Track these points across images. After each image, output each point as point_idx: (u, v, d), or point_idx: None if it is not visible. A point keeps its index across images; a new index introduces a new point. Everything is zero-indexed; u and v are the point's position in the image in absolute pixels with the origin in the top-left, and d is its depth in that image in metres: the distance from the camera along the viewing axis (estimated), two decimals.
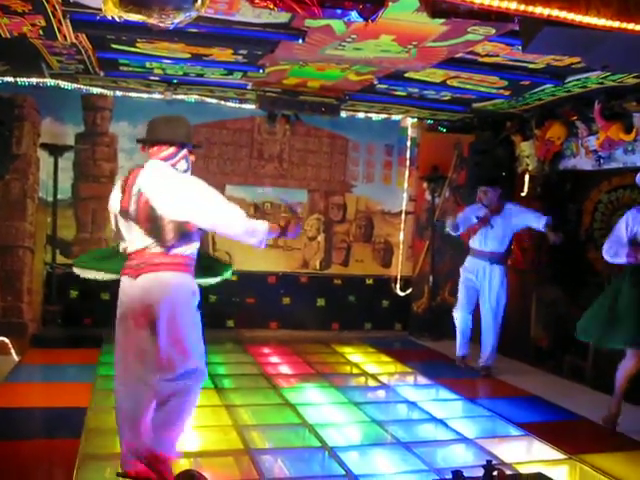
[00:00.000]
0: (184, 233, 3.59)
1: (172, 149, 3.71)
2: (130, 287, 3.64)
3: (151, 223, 3.54)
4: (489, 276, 6.83)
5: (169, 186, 3.59)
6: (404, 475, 4.16)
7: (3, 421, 4.75)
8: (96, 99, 7.93)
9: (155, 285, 3.58)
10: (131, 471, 3.64)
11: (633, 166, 6.21)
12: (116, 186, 3.79)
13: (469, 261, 7.03)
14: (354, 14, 2.99)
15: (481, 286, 6.89)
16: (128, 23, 3.25)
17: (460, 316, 7.14)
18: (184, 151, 3.75)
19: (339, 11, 2.94)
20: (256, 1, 2.76)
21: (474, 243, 6.98)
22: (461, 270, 7.13)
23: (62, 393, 5.48)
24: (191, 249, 3.69)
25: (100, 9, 3.89)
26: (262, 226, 3.70)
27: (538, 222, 6.55)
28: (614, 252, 5.08)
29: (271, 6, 2.75)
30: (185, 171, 3.76)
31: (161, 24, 2.73)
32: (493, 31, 4.36)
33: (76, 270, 4.37)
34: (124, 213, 3.64)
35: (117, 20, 2.81)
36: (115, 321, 3.75)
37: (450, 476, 2.62)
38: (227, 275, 4.51)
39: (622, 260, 5.02)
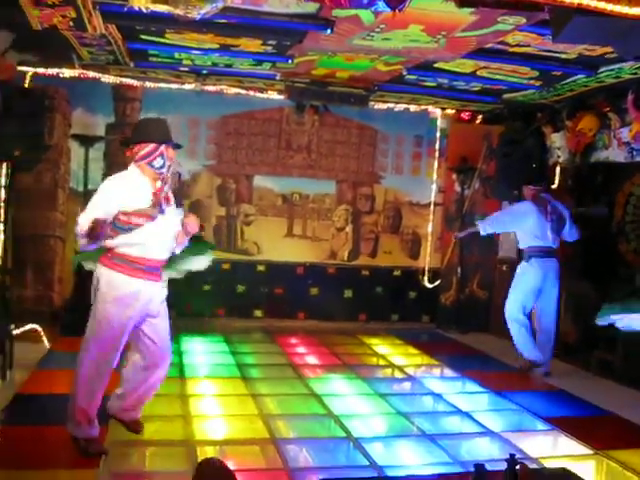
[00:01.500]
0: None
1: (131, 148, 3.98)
2: None
3: None
4: (554, 273, 6.62)
5: None
6: (428, 467, 4.15)
7: (34, 407, 4.84)
8: (126, 90, 7.98)
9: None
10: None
11: None
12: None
13: (536, 261, 6.57)
14: (381, 4, 2.98)
15: (546, 286, 6.60)
16: (157, 14, 3.28)
17: (522, 321, 6.65)
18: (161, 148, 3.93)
19: (366, 1, 2.93)
20: None
21: (536, 241, 6.60)
22: (525, 270, 6.65)
23: None
24: (116, 241, 3.82)
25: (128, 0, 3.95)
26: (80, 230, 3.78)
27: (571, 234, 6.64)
28: None
29: None
30: (161, 167, 3.92)
31: (188, 15, 2.74)
32: (524, 20, 4.30)
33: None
34: None
35: (144, 11, 2.83)
36: None
37: (473, 469, 2.60)
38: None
39: None
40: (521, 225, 6.62)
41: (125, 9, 3.75)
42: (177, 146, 4.06)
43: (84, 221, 3.72)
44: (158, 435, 4.51)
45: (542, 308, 6.60)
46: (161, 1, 2.60)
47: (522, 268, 6.63)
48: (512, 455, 2.52)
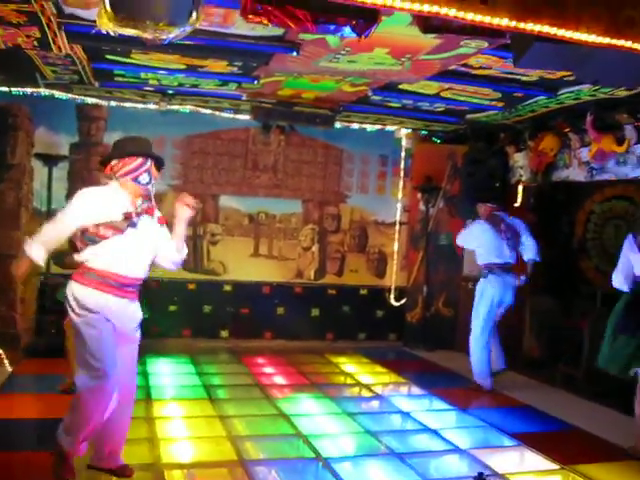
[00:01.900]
0: (83, 241, 3.82)
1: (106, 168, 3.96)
2: None
3: None
4: (511, 290, 6.65)
5: None
6: None
7: None
8: (90, 109, 7.93)
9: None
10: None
11: (625, 177, 6.26)
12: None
13: (493, 279, 6.61)
14: (347, 30, 3.02)
15: (502, 302, 6.65)
16: (123, 35, 3.28)
17: (484, 343, 6.65)
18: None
19: (332, 27, 2.97)
20: (250, 16, 2.79)
21: (490, 258, 6.64)
22: (484, 290, 6.66)
23: (57, 404, 5.42)
24: (85, 256, 3.84)
25: (95, 21, 3.95)
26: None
27: (528, 253, 6.60)
28: (621, 278, 4.99)
29: (265, 22, 2.78)
30: (147, 183, 3.91)
31: (156, 39, 2.76)
32: (485, 44, 4.40)
33: None
34: None
35: (112, 34, 2.84)
36: None
37: None
38: None
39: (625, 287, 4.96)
40: (478, 242, 6.70)
41: (93, 31, 3.74)
42: (160, 164, 4.04)
43: (48, 230, 3.81)
44: (125, 459, 4.43)
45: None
46: (129, 25, 2.61)
47: (481, 285, 6.68)
48: (480, 473, 2.55)
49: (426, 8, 2.65)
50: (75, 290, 3.84)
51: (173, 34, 2.76)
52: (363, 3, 2.57)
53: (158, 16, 2.61)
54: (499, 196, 7.01)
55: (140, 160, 3.87)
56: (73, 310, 3.85)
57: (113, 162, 3.90)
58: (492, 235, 6.57)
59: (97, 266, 3.82)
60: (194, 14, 2.73)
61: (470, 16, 2.74)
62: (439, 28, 3.01)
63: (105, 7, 2.57)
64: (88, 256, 3.81)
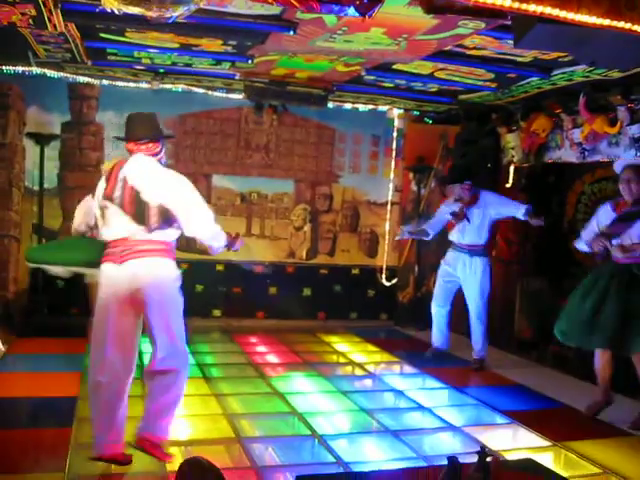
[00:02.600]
0: (166, 219, 3.82)
1: (158, 145, 3.95)
2: (115, 274, 3.82)
3: (136, 207, 3.77)
4: (471, 269, 6.73)
5: (160, 176, 3.87)
6: (394, 462, 4.23)
7: None
8: (82, 88, 7.88)
9: (142, 271, 3.80)
10: (105, 455, 3.88)
11: (617, 158, 6.30)
12: (101, 179, 3.98)
13: (449, 255, 6.98)
14: (351, 10, 3.02)
15: (464, 280, 6.80)
16: (123, 14, 3.26)
17: (434, 310, 7.11)
18: (164, 146, 4.03)
19: (336, 7, 2.97)
20: None
21: (453, 236, 6.92)
22: (442, 263, 7.08)
23: (50, 383, 5.50)
24: (173, 236, 3.94)
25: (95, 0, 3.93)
26: (223, 234, 4.10)
27: (517, 211, 6.51)
28: (582, 241, 5.41)
29: (271, 1, 2.78)
30: (165, 164, 4.05)
31: (160, 17, 2.75)
32: (483, 25, 4.39)
33: (30, 264, 4.61)
34: (108, 199, 3.85)
35: (117, 13, 2.83)
36: None
37: (444, 462, 2.68)
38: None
39: (584, 248, 5.40)
40: (444, 220, 6.98)
41: (98, 9, 3.71)
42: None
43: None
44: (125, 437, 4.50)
45: (467, 298, 6.85)
46: (134, 3, 2.61)
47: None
48: (483, 448, 2.60)
49: None
50: (165, 265, 3.91)
51: (177, 13, 2.76)
52: None
53: None
54: (463, 176, 6.83)
55: (158, 145, 4.01)
56: (166, 285, 3.93)
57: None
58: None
59: (168, 239, 3.94)
60: None
61: None
62: (443, 8, 3.03)
63: None
64: (162, 230, 3.83)
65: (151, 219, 3.78)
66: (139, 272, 3.80)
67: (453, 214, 6.74)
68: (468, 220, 6.68)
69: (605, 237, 5.06)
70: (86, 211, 4.31)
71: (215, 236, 4.05)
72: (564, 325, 5.21)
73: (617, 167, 5.28)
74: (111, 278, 3.84)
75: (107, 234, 3.92)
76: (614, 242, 5.03)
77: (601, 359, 5.15)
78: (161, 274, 3.86)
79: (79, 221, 4.56)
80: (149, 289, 3.81)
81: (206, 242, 4.07)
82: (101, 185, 3.96)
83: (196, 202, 3.91)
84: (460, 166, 7.39)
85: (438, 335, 7.12)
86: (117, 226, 3.85)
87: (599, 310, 4.93)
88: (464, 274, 6.78)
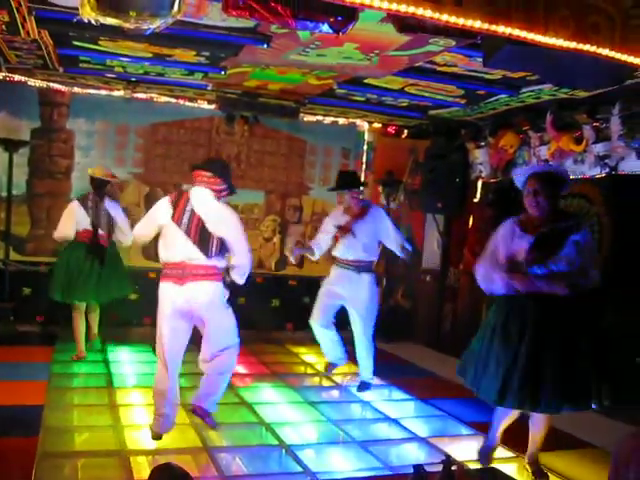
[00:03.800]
0: (222, 249, 4.55)
1: (224, 185, 4.67)
2: (176, 292, 4.52)
3: (200, 236, 4.45)
4: (358, 287, 6.11)
5: (222, 211, 4.61)
6: (361, 472, 4.27)
7: None
8: (53, 94, 7.84)
9: (200, 292, 4.53)
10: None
11: (582, 176, 6.45)
12: (163, 202, 4.62)
13: (333, 272, 6.29)
14: (325, 27, 3.08)
15: (349, 298, 6.19)
16: (96, 24, 3.28)
17: (316, 329, 6.51)
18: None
19: (311, 24, 3.03)
20: (231, 10, 2.83)
21: (337, 252, 6.24)
22: (324, 283, 6.40)
23: (16, 391, 5.44)
24: (223, 263, 4.63)
25: (68, 7, 3.94)
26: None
27: (397, 249, 6.13)
28: (487, 276, 4.18)
29: (247, 16, 2.83)
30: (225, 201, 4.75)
31: (137, 29, 2.78)
32: (453, 43, 4.50)
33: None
34: (176, 224, 4.49)
35: (93, 23, 2.85)
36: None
37: (410, 471, 2.73)
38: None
39: (494, 288, 4.15)
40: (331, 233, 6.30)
41: (75, 19, 3.72)
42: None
43: None
44: (89, 446, 4.49)
45: (351, 317, 6.41)
46: (112, 15, 2.63)
47: None
48: (448, 456, 2.66)
49: (403, 8, 2.74)
50: (217, 287, 4.65)
51: (155, 25, 2.79)
52: (342, 2, 2.65)
53: (141, 6, 2.64)
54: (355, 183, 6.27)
55: (225, 185, 4.77)
56: (217, 301, 4.68)
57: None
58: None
59: (220, 265, 4.66)
60: (176, 5, 2.76)
61: (445, 17, 2.83)
62: (414, 27, 3.10)
63: None
64: (218, 258, 4.57)
65: (212, 248, 4.47)
66: (198, 293, 4.51)
67: (338, 227, 6.16)
68: (354, 234, 6.06)
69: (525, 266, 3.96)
70: (77, 219, 5.53)
71: (248, 267, 4.77)
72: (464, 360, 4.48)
73: (519, 179, 4.22)
74: (172, 296, 4.53)
75: (167, 255, 4.56)
76: (537, 271, 3.93)
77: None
78: (215, 294, 4.60)
79: (70, 228, 6.34)
80: (206, 306, 4.57)
81: (238, 272, 4.71)
82: (167, 209, 4.54)
83: (244, 239, 4.67)
84: (351, 173, 6.85)
85: (329, 351, 6.57)
86: (180, 250, 4.48)
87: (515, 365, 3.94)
88: (350, 292, 6.16)
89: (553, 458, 4.62)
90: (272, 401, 5.84)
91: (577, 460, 4.71)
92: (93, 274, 6.45)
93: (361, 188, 6.32)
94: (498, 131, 7.33)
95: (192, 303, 4.53)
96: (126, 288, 6.89)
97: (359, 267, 6.14)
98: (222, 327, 4.72)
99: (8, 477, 3.84)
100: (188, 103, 8.13)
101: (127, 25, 2.73)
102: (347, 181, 6.26)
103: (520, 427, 4.75)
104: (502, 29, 2.92)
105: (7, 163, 7.38)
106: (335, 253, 6.31)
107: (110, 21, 2.71)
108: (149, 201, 8.26)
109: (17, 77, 7.21)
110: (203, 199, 4.54)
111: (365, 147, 9.14)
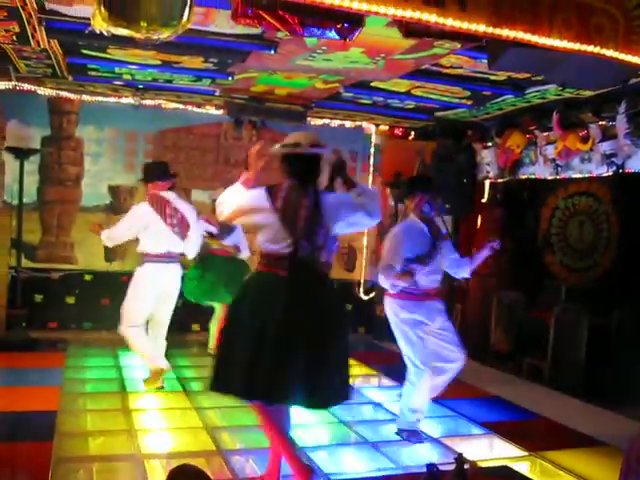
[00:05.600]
0: None
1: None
2: None
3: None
4: None
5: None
6: (373, 473, 4.29)
7: None
8: (62, 102, 7.91)
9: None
10: None
11: (589, 174, 6.48)
12: (144, 206, 5.69)
13: None
14: (332, 33, 3.12)
15: None
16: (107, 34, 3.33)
17: None
18: None
19: (318, 31, 3.07)
20: (240, 19, 2.88)
21: None
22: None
23: (29, 397, 5.48)
24: None
25: (77, 17, 4.00)
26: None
27: None
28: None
29: (255, 24, 2.87)
30: None
31: (148, 39, 2.83)
32: (459, 45, 4.53)
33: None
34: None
35: (105, 34, 2.90)
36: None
37: (424, 470, 2.76)
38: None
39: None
40: None
41: (87, 30, 3.78)
42: None
43: None
44: (104, 450, 4.52)
45: None
46: (123, 25, 2.68)
47: None
48: (460, 455, 2.69)
49: (408, 14, 2.78)
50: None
51: (165, 35, 2.84)
52: (349, 9, 2.69)
53: (152, 17, 2.69)
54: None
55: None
56: None
57: None
58: None
59: None
60: (185, 15, 2.81)
61: (450, 22, 2.87)
62: (420, 32, 3.14)
63: (100, 7, 2.64)
64: None
65: None
66: None
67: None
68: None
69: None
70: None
71: None
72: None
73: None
74: None
75: None
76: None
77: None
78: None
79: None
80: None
81: None
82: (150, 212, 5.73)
83: None
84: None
85: None
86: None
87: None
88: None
89: (564, 456, 4.64)
90: None
91: (588, 458, 4.72)
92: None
93: None
94: (505, 131, 7.36)
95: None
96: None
97: None
98: None
99: None
100: (196, 109, 8.18)
101: (138, 36, 2.78)
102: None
103: (531, 426, 4.80)
104: (506, 32, 2.95)
105: (18, 171, 7.45)
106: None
107: (121, 32, 2.76)
108: None
109: (27, 86, 7.28)
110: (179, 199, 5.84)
111: (372, 149, 9.16)
